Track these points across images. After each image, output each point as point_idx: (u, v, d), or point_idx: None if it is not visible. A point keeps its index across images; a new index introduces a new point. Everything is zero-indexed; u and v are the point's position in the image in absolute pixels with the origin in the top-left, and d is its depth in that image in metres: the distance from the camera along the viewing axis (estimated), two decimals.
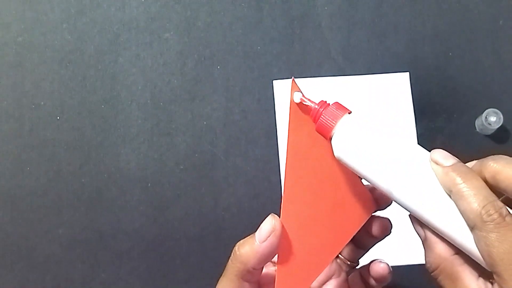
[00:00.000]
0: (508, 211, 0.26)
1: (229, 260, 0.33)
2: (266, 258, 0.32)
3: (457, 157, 0.30)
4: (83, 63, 0.67)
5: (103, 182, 0.64)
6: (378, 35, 0.66)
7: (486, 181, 0.28)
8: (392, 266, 0.37)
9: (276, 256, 0.32)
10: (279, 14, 0.67)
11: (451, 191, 0.28)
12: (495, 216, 0.26)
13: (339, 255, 0.39)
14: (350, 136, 0.30)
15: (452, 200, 0.28)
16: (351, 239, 0.34)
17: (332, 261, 0.34)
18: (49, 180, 0.64)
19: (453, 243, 0.29)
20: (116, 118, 0.65)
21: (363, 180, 0.33)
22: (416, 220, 0.30)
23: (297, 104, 0.31)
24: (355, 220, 0.32)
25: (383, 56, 0.66)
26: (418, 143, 0.31)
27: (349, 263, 0.38)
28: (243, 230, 0.37)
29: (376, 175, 0.29)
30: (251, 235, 0.32)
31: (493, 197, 0.27)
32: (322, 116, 0.30)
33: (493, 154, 0.30)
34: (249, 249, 0.32)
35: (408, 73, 0.61)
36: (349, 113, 0.31)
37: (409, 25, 0.66)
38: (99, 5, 0.68)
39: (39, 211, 0.64)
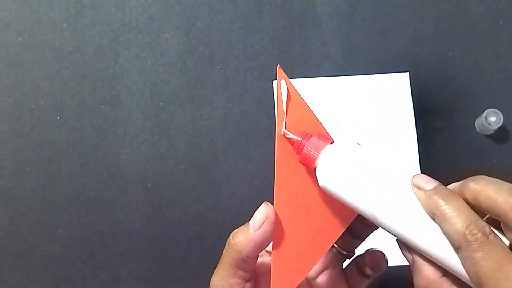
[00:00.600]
0: (491, 229, 0.27)
1: (224, 250, 0.34)
2: (261, 246, 0.32)
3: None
4: (83, 63, 0.67)
5: (103, 182, 0.64)
6: (378, 35, 0.66)
7: (468, 202, 0.28)
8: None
9: (271, 245, 0.33)
10: (279, 14, 0.67)
11: (434, 214, 0.28)
12: (479, 235, 0.26)
13: (335, 245, 0.39)
14: (332, 166, 0.30)
15: (436, 223, 0.28)
16: (347, 229, 0.35)
17: (328, 251, 0.34)
18: (49, 180, 0.64)
19: (440, 265, 0.29)
20: (116, 118, 0.66)
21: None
22: (403, 245, 0.31)
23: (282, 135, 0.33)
24: (350, 209, 0.33)
25: (383, 56, 0.66)
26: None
27: (345, 253, 0.39)
28: None
29: (360, 202, 0.30)
30: (245, 224, 0.33)
31: (475, 216, 0.27)
32: (305, 147, 0.31)
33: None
34: (243, 237, 0.32)
35: (408, 73, 0.61)
36: (331, 142, 0.32)
37: (409, 25, 0.66)
38: (99, 5, 0.68)
39: (39, 211, 0.64)
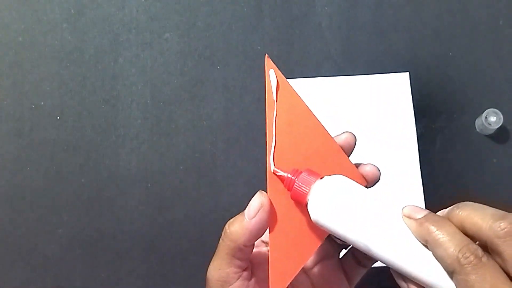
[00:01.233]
0: (483, 251, 0.27)
1: (220, 239, 0.34)
2: (256, 235, 0.32)
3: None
4: (83, 63, 0.67)
5: (103, 182, 0.64)
6: (378, 35, 0.66)
7: None
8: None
9: (268, 234, 0.33)
10: (279, 14, 0.67)
11: (426, 240, 0.28)
12: (472, 258, 0.26)
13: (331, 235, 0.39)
14: (323, 200, 0.31)
15: (429, 249, 0.29)
16: None
17: (325, 241, 0.34)
18: (49, 180, 0.64)
19: None
20: (116, 118, 0.66)
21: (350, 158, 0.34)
22: (398, 274, 0.31)
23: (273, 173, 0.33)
24: None
25: (383, 56, 0.66)
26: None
27: (341, 243, 0.39)
28: None
29: (353, 235, 0.31)
30: (241, 213, 0.33)
31: (467, 240, 0.27)
32: (295, 184, 0.32)
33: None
34: (238, 226, 0.32)
35: (408, 73, 0.61)
36: (320, 178, 0.32)
37: (409, 25, 0.66)
38: (99, 5, 0.68)
39: (39, 211, 0.64)
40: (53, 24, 0.68)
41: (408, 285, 0.31)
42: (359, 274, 0.39)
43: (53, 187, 0.64)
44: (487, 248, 0.27)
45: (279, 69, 0.34)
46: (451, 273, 0.27)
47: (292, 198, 0.33)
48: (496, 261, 0.27)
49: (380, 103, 0.61)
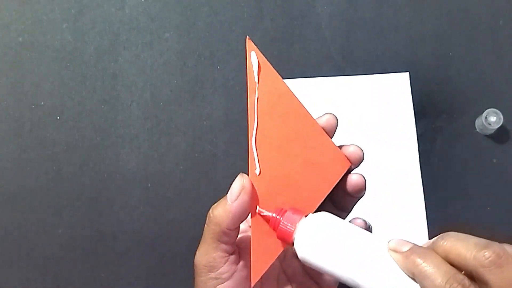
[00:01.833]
0: (470, 281, 0.27)
1: (205, 225, 0.34)
2: (239, 217, 0.33)
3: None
4: (83, 63, 0.67)
5: (103, 182, 0.64)
6: (378, 35, 0.66)
7: None
8: None
9: (250, 216, 0.33)
10: (279, 14, 0.67)
11: (413, 273, 0.29)
12: None
13: None
14: (309, 238, 0.31)
15: (416, 282, 0.29)
16: (331, 201, 0.35)
17: None
18: (49, 180, 0.64)
19: None
20: (116, 118, 0.66)
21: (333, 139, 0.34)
22: None
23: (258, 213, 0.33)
24: (328, 179, 0.33)
25: (383, 56, 0.66)
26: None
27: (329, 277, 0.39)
28: None
29: (340, 271, 0.31)
30: (224, 197, 0.33)
31: (453, 270, 0.27)
32: (281, 223, 0.32)
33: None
34: (221, 210, 0.33)
35: (408, 73, 0.61)
36: (305, 216, 0.32)
37: (409, 25, 0.66)
38: (99, 5, 0.68)
39: (39, 211, 0.64)
40: (53, 24, 0.68)
41: None
42: None
43: (53, 187, 0.64)
44: (473, 277, 0.27)
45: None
46: None
47: (278, 237, 0.33)
48: None
49: (380, 103, 0.61)
